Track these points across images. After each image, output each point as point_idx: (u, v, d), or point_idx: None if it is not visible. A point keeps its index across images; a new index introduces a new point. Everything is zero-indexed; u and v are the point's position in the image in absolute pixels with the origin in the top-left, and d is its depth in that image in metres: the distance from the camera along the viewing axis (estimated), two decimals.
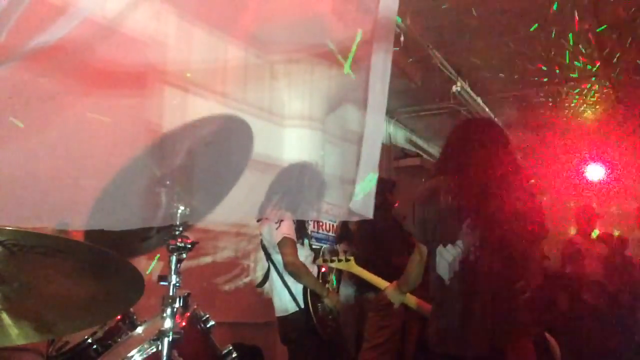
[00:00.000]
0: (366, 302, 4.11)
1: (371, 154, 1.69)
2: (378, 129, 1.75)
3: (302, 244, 3.20)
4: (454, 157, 2.27)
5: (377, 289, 3.95)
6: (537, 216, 2.19)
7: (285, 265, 3.06)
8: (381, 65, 1.66)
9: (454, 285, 2.10)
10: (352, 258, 2.87)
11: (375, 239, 3.68)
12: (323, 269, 3.31)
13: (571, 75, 6.25)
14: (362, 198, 1.68)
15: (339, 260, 2.88)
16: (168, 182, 1.62)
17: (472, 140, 2.26)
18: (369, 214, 1.71)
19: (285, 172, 3.23)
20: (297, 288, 3.15)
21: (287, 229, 3.05)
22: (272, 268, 3.23)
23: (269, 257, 3.24)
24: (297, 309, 3.11)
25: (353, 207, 1.69)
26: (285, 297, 3.15)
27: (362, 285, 3.99)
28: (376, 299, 3.98)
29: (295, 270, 3.05)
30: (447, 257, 2.11)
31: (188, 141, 1.62)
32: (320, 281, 3.21)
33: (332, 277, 3.52)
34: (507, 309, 2.05)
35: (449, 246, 2.10)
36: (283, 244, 3.04)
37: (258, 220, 3.24)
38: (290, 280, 3.14)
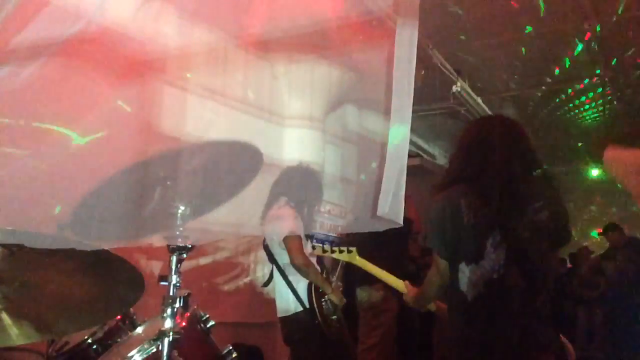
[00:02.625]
0: (355, 299, 4.09)
1: (399, 152, 1.54)
2: (405, 118, 1.56)
3: (306, 241, 3.21)
4: (472, 161, 2.07)
5: (366, 286, 3.96)
6: (563, 221, 2.07)
7: (292, 260, 3.06)
8: (407, 43, 1.52)
9: (477, 303, 1.98)
10: (354, 249, 2.81)
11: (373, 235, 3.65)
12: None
13: (571, 75, 6.25)
14: (391, 202, 1.54)
15: (341, 251, 2.81)
16: (168, 183, 1.63)
17: (491, 141, 2.06)
18: (399, 219, 1.55)
19: (290, 172, 3.23)
20: (301, 287, 3.14)
21: (293, 226, 3.05)
22: (274, 268, 3.24)
23: (271, 256, 3.24)
24: (301, 308, 3.11)
25: (381, 213, 1.54)
26: (289, 297, 3.15)
27: (351, 281, 3.99)
28: (367, 298, 3.97)
29: (302, 265, 3.05)
30: (470, 275, 1.99)
31: (197, 158, 1.63)
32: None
33: (334, 277, 3.51)
34: (530, 324, 1.96)
35: (472, 265, 1.98)
36: (289, 239, 3.04)
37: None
38: (294, 280, 3.14)
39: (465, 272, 1.99)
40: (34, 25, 1.23)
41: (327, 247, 2.82)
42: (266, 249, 3.27)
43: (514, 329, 1.94)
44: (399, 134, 1.58)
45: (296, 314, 3.13)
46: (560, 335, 2.43)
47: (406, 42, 1.50)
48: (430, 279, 2.19)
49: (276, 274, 3.23)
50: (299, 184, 3.14)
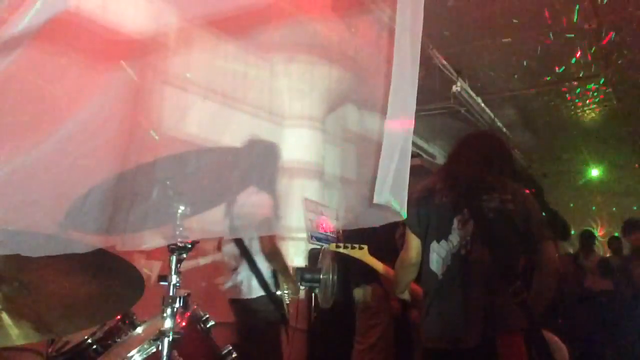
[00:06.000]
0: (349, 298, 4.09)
1: (398, 140, 1.44)
2: (412, 78, 1.41)
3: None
4: (449, 162, 2.38)
5: (363, 285, 3.96)
6: (533, 219, 2.21)
7: (263, 248, 3.05)
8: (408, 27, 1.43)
9: (446, 279, 2.15)
10: (365, 247, 2.85)
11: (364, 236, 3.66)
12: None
13: (571, 75, 6.26)
14: (392, 191, 1.41)
15: (352, 248, 2.86)
16: (168, 183, 1.63)
17: (470, 150, 2.34)
18: (403, 208, 1.44)
19: (247, 151, 3.13)
20: (266, 274, 3.13)
21: (268, 213, 2.98)
22: (240, 250, 3.18)
23: (239, 241, 3.19)
24: (263, 293, 3.10)
25: (378, 201, 1.40)
26: (251, 282, 3.13)
27: (348, 281, 4.00)
28: (364, 297, 3.97)
29: (272, 253, 3.05)
30: (440, 252, 2.18)
31: (199, 162, 1.62)
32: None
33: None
34: (496, 302, 2.09)
35: (442, 241, 2.17)
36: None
37: None
38: (263, 266, 3.13)
39: (435, 250, 2.19)
40: (20, 14, 1.21)
41: (340, 243, 2.89)
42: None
43: (481, 306, 2.07)
44: (398, 122, 1.53)
45: (259, 297, 3.11)
46: (553, 336, 2.48)
47: (408, 26, 1.43)
48: (401, 259, 2.36)
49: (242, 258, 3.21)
50: (260, 164, 3.04)
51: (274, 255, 3.07)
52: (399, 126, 1.48)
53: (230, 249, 3.27)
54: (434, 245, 2.19)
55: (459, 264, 2.12)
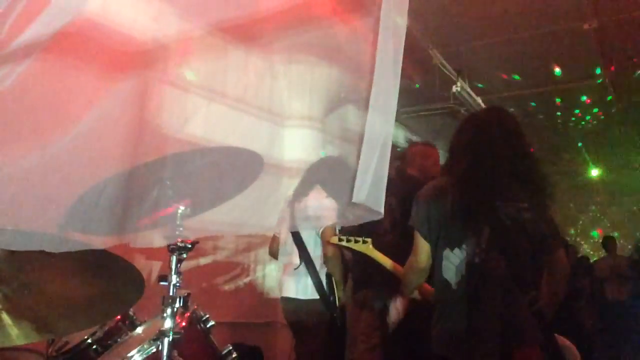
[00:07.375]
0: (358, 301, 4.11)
1: (378, 139, 1.41)
2: (388, 108, 1.45)
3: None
4: (460, 156, 2.16)
5: (368, 288, 3.96)
6: (548, 223, 2.11)
7: (325, 250, 3.11)
8: (392, 28, 1.43)
9: (460, 289, 2.04)
10: (369, 240, 2.75)
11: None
12: None
13: (571, 75, 6.25)
14: (369, 190, 1.43)
15: (356, 242, 2.77)
16: (168, 183, 1.63)
17: (478, 137, 2.15)
18: (380, 207, 1.46)
19: (328, 161, 3.32)
20: (322, 277, 3.22)
21: (335, 218, 3.06)
22: (300, 250, 3.26)
23: (300, 241, 3.25)
24: (317, 297, 3.17)
25: (357, 199, 1.41)
26: (307, 282, 3.20)
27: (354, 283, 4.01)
28: (371, 297, 3.97)
29: (333, 257, 3.11)
30: (454, 260, 2.06)
31: (198, 161, 1.63)
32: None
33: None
34: (514, 314, 2.00)
35: (456, 250, 2.05)
36: (327, 230, 3.10)
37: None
38: (320, 268, 3.20)
39: (449, 258, 2.06)
40: (35, 23, 1.22)
41: (343, 237, 2.83)
42: (295, 234, 3.28)
43: (497, 318, 1.95)
44: (378, 122, 1.51)
45: (311, 300, 3.18)
46: (565, 339, 2.42)
47: (391, 28, 1.44)
48: (410, 263, 2.25)
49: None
50: (334, 175, 3.15)
51: (335, 260, 3.13)
52: (379, 124, 1.47)
53: (290, 248, 3.35)
54: (447, 253, 2.07)
55: (475, 273, 1.99)
